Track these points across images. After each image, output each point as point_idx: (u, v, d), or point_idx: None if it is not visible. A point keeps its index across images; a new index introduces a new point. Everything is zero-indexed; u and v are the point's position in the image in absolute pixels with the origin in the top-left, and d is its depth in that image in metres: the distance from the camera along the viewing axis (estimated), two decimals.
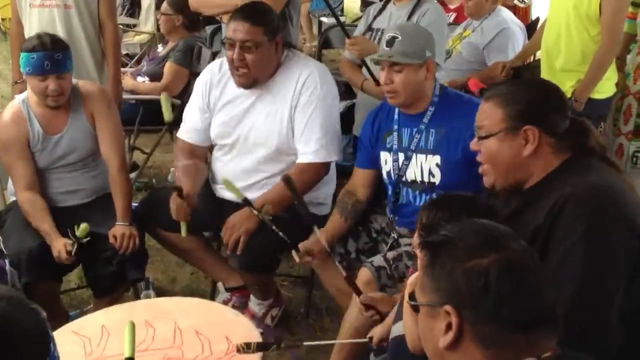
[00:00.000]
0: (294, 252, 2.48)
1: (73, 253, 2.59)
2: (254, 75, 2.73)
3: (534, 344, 1.17)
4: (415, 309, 1.27)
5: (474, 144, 1.86)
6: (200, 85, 2.92)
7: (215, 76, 2.88)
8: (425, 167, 2.51)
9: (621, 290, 1.65)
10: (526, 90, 1.81)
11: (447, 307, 1.18)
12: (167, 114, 2.69)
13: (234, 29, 2.66)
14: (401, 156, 2.56)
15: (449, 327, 1.18)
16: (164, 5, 4.53)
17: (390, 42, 2.45)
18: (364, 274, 2.46)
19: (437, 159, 2.49)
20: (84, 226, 2.60)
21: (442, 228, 1.27)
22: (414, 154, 2.53)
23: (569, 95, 3.29)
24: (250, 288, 2.96)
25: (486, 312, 1.16)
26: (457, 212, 1.78)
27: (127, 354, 1.79)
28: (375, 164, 2.68)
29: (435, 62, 2.54)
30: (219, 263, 3.11)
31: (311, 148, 2.74)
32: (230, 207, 2.81)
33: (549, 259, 1.67)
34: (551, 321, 1.20)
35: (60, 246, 2.59)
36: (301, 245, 2.50)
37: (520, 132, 1.74)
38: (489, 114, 1.80)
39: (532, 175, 1.78)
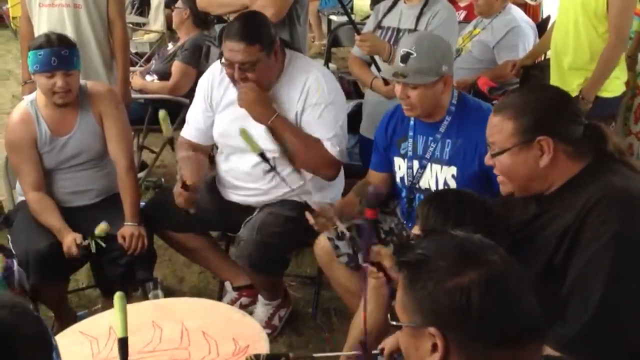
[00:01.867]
0: (307, 214, 2.45)
1: (91, 249, 2.62)
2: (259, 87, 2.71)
3: (521, 354, 1.16)
4: (398, 328, 1.25)
5: (487, 159, 1.82)
6: (202, 86, 2.92)
7: (216, 77, 2.87)
8: (440, 177, 2.48)
9: None
10: (536, 100, 1.76)
11: (432, 329, 1.16)
12: (166, 130, 2.63)
13: (230, 49, 2.63)
14: (416, 164, 2.54)
15: (434, 347, 1.16)
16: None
17: (405, 58, 2.38)
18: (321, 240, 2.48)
19: (453, 170, 2.46)
20: (103, 226, 2.60)
21: (417, 246, 1.24)
22: (429, 163, 2.51)
23: (576, 93, 3.27)
24: (258, 288, 2.96)
25: (471, 331, 1.14)
26: (453, 211, 1.81)
27: (119, 334, 1.77)
28: (390, 167, 2.66)
29: (451, 75, 2.47)
30: (227, 262, 3.10)
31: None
32: (237, 208, 2.81)
33: (575, 260, 1.66)
34: (536, 331, 1.18)
35: (70, 241, 2.60)
36: (315, 204, 2.48)
37: (534, 143, 1.70)
38: (499, 128, 1.75)
39: (552, 183, 1.75)
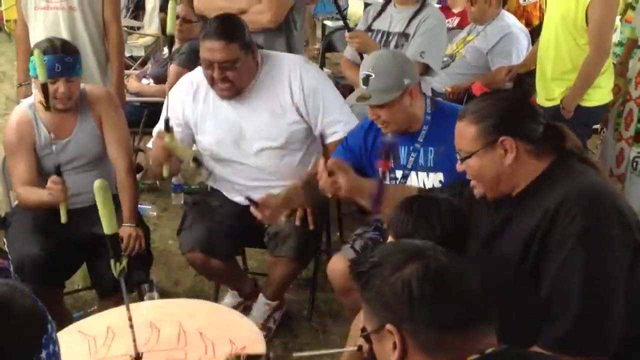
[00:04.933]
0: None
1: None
2: (237, 87, 2.74)
3: (474, 341, 1.22)
4: (367, 339, 1.32)
5: (459, 166, 1.88)
6: (173, 102, 2.84)
7: (188, 94, 2.85)
8: (427, 184, 2.50)
9: (624, 281, 1.68)
10: (495, 104, 1.84)
11: (388, 327, 1.23)
12: (170, 26, 2.55)
13: (209, 49, 2.64)
14: (399, 174, 2.55)
15: (395, 345, 1.23)
16: (184, 11, 4.48)
17: (366, 81, 2.43)
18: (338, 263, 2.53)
19: (439, 176, 2.48)
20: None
21: (369, 256, 1.33)
22: (412, 172, 2.52)
23: (557, 102, 3.32)
24: (277, 284, 2.96)
25: (419, 320, 1.22)
26: (416, 214, 1.84)
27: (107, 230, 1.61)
28: (355, 167, 2.65)
29: (417, 85, 2.49)
30: (241, 276, 3.16)
31: (340, 125, 2.80)
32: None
33: (549, 262, 1.70)
34: (485, 317, 1.25)
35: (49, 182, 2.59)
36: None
37: (498, 144, 1.77)
38: (464, 134, 1.83)
39: (518, 183, 1.82)
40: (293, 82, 2.77)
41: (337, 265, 2.58)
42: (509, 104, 1.85)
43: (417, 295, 1.21)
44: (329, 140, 2.84)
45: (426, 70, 3.24)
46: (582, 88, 3.27)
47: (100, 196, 1.61)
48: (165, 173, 2.67)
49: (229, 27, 2.67)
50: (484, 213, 1.92)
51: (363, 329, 1.33)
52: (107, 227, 1.62)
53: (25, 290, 1.18)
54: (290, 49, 3.22)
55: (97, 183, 1.61)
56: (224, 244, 2.83)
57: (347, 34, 3.18)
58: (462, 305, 1.23)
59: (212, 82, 2.73)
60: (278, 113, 2.79)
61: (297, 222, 2.72)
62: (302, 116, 2.79)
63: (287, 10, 3.16)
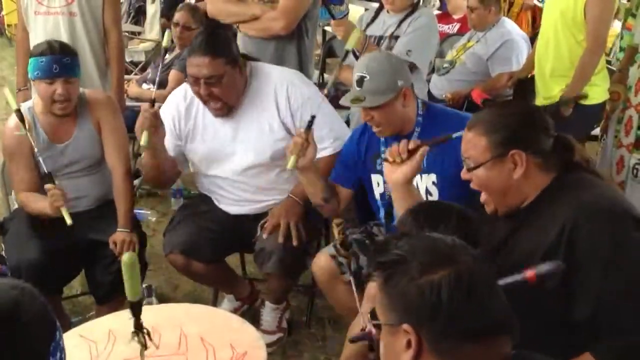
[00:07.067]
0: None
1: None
2: (228, 104, 2.72)
3: (490, 351, 1.21)
4: (377, 327, 1.30)
5: (464, 174, 1.87)
6: (167, 115, 2.83)
7: (181, 105, 2.84)
8: (421, 186, 2.49)
9: None
10: (507, 115, 1.82)
11: (405, 326, 1.21)
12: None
13: (195, 65, 2.62)
14: None
15: (408, 344, 1.22)
16: (185, 18, 4.49)
17: (360, 82, 2.42)
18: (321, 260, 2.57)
19: (432, 177, 2.47)
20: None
21: (394, 246, 1.29)
22: None
23: (557, 99, 3.33)
24: (275, 293, 2.97)
25: (442, 327, 1.19)
26: (430, 222, 1.81)
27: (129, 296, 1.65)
28: (352, 184, 2.66)
29: (410, 87, 2.48)
30: (235, 280, 3.14)
31: (329, 141, 2.77)
32: (247, 224, 2.84)
33: (583, 279, 1.67)
34: (506, 328, 1.23)
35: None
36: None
37: (508, 157, 1.76)
38: (473, 144, 1.81)
39: (527, 195, 1.81)
40: (279, 98, 2.74)
41: (321, 262, 2.63)
42: (522, 116, 1.82)
43: (446, 303, 1.18)
44: (319, 155, 2.77)
45: (412, 68, 3.16)
46: (581, 82, 3.30)
47: (128, 269, 1.62)
48: (143, 141, 2.59)
49: (214, 42, 2.65)
50: (495, 222, 1.90)
51: (373, 315, 1.30)
52: (130, 294, 1.67)
53: (35, 293, 1.18)
54: (300, 56, 3.22)
55: (126, 257, 1.61)
56: (207, 247, 2.81)
57: (332, 22, 3.17)
58: (486, 318, 1.21)
59: (202, 99, 2.71)
60: (265, 129, 2.76)
61: (281, 239, 2.70)
62: (289, 133, 2.75)
63: (300, 17, 3.16)
